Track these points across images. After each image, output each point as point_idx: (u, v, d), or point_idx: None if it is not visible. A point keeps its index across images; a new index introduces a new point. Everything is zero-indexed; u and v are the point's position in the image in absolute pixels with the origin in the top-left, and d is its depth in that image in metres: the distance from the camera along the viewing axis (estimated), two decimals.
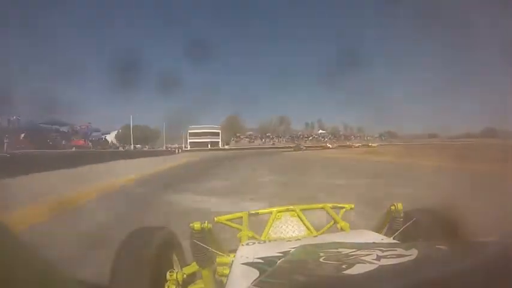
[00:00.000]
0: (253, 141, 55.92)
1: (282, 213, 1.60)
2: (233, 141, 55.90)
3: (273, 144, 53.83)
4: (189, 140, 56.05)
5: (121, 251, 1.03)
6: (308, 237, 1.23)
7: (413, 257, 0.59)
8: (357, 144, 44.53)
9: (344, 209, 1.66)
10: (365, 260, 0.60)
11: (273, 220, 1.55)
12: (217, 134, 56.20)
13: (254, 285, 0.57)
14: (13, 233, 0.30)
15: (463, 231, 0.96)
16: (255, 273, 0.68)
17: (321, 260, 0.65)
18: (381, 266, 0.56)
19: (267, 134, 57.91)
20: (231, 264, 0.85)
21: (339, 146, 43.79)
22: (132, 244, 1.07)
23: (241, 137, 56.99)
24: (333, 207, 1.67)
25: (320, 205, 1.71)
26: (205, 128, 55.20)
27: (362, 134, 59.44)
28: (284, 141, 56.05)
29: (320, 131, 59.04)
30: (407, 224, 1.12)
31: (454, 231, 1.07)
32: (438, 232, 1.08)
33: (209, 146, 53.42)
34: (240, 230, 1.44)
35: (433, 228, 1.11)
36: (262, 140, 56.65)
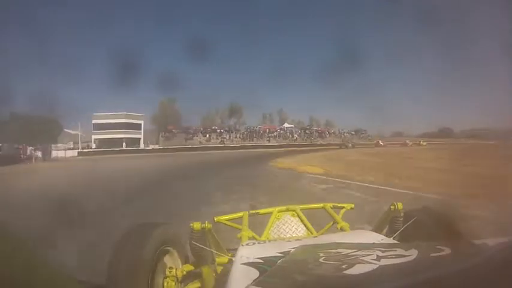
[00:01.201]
0: (192, 138, 38.92)
1: (282, 213, 1.60)
2: (162, 139, 37.99)
3: (222, 142, 37.73)
4: (93, 136, 36.34)
5: (120, 247, 1.04)
6: (308, 238, 1.22)
7: (413, 257, 0.59)
8: (410, 143, 39.17)
9: (344, 209, 1.65)
10: (365, 260, 0.60)
11: (273, 220, 1.55)
12: (137, 127, 36.99)
13: (254, 285, 0.57)
14: (13, 234, 0.29)
15: (463, 231, 0.91)
16: (255, 273, 0.68)
17: (320, 260, 0.66)
18: (381, 266, 0.56)
19: (213, 128, 41.32)
20: (231, 264, 0.84)
21: (388, 144, 38.71)
22: (131, 240, 1.08)
23: (175, 131, 39.21)
24: (333, 207, 1.66)
25: (320, 205, 1.73)
26: (117, 117, 35.40)
27: (334, 128, 48.18)
28: (239, 138, 40.53)
29: (286, 125, 45.14)
30: (407, 224, 1.13)
31: (454, 231, 1.03)
32: (438, 232, 1.05)
33: (124, 145, 34.94)
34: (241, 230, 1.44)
35: (433, 228, 1.08)
36: (205, 135, 39.97)
